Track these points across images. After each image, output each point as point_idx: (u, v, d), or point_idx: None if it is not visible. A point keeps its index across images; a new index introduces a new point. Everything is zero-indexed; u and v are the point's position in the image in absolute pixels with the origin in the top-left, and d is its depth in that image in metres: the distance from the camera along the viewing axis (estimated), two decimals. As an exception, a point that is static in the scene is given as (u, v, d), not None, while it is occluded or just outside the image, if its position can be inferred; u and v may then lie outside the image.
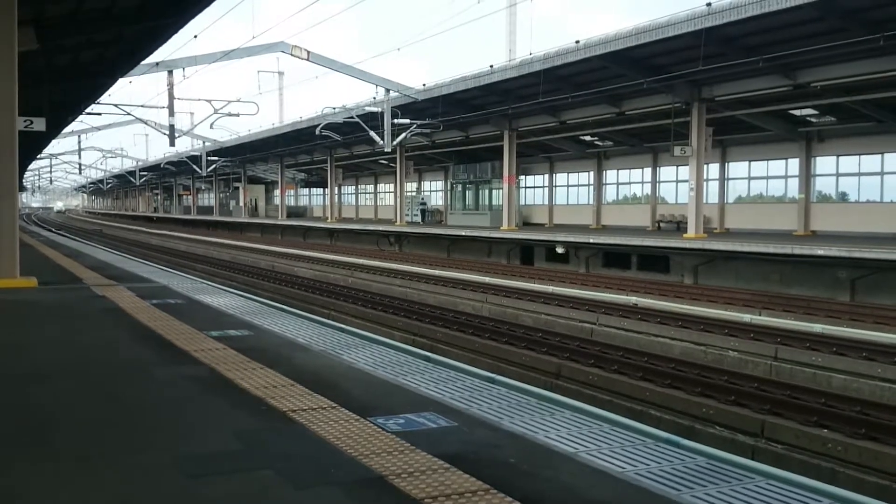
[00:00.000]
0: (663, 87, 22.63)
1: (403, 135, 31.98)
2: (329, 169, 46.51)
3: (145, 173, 75.57)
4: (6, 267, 11.37)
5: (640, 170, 34.47)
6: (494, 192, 37.89)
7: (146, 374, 5.59)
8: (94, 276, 13.22)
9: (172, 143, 31.71)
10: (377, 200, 57.34)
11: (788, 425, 8.31)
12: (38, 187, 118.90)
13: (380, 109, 31.04)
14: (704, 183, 25.93)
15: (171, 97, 29.16)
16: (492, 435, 4.19)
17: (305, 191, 67.88)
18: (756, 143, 28.58)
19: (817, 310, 15.42)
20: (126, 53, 19.15)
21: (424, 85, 29.99)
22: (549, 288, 18.74)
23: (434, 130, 32.97)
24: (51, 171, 78.48)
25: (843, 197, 26.85)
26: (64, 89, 22.74)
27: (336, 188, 50.17)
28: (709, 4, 17.79)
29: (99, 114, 35.31)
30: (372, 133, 31.47)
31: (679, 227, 29.96)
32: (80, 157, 58.89)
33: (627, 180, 35.65)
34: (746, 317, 14.11)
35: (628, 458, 3.95)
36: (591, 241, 25.32)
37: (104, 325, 7.96)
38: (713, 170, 29.87)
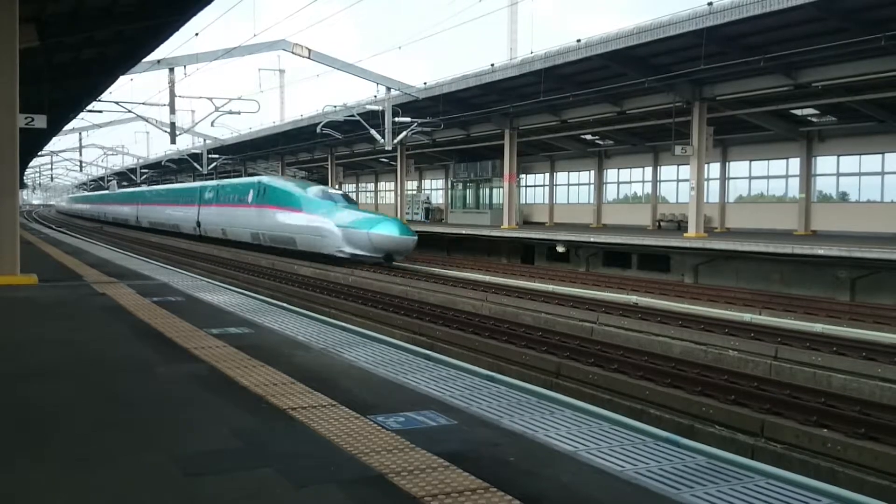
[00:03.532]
0: (664, 87, 22.62)
1: (404, 133, 31.97)
2: (330, 167, 46.49)
3: (146, 171, 75.53)
4: (7, 264, 11.38)
5: (641, 169, 34.45)
6: (495, 190, 37.87)
7: (146, 372, 5.60)
8: (95, 274, 13.22)
9: (173, 141, 31.73)
10: (378, 199, 57.33)
11: (788, 425, 8.30)
12: (39, 184, 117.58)
13: (380, 108, 31.02)
14: (705, 182, 25.93)
15: (172, 95, 29.16)
16: (492, 433, 4.19)
17: (307, 189, 67.47)
18: (757, 143, 28.57)
19: (818, 309, 15.41)
20: (127, 51, 19.15)
21: (425, 83, 29.96)
22: (550, 287, 18.72)
23: (435, 129, 32.96)
24: (52, 169, 78.58)
25: (843, 197, 26.84)
26: (65, 86, 22.74)
27: (337, 186, 50.14)
28: (710, 3, 17.78)
29: (100, 111, 35.36)
30: (373, 131, 31.45)
31: (680, 226, 29.95)
32: (80, 155, 59.00)
33: (628, 179, 35.64)
34: (747, 316, 14.10)
35: (628, 456, 3.95)
36: (592, 240, 25.30)
37: (104, 322, 7.97)
38: (714, 169, 29.87)
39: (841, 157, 26.30)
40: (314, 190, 27.46)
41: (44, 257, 17.26)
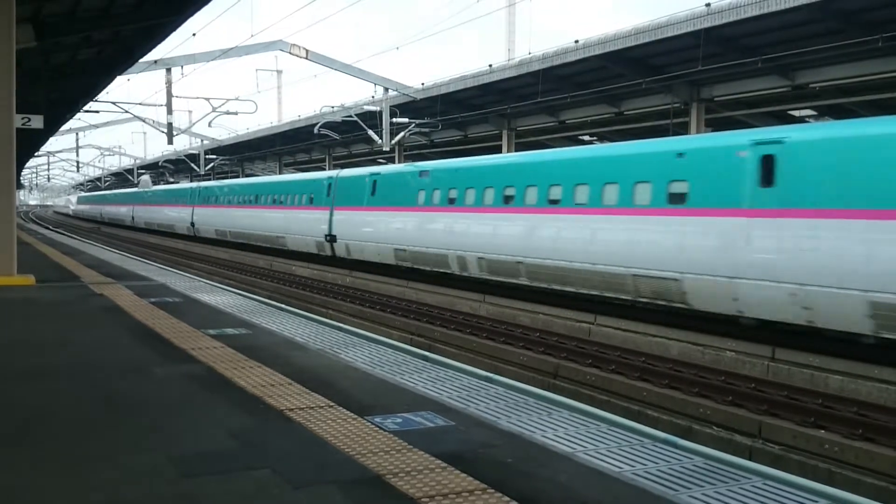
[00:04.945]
0: (662, 88, 22.63)
1: (402, 134, 31.97)
2: (327, 168, 46.53)
3: (143, 171, 75.47)
4: (3, 264, 11.37)
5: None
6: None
7: (144, 373, 5.59)
8: (92, 274, 13.20)
9: (170, 142, 31.73)
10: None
11: (786, 426, 8.32)
12: (36, 185, 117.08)
13: (378, 108, 31.03)
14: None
15: (170, 95, 29.13)
16: (489, 434, 4.19)
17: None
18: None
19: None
20: (124, 51, 19.14)
21: (423, 84, 29.99)
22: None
23: (433, 130, 32.97)
24: (48, 169, 78.53)
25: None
26: (62, 87, 22.73)
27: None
28: (708, 5, 17.81)
29: (97, 111, 35.34)
30: (370, 132, 31.46)
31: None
32: (77, 155, 59.05)
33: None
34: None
35: (626, 458, 3.95)
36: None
37: (102, 323, 7.95)
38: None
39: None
40: None
41: (41, 258, 17.23)
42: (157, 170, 69.74)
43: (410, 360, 6.36)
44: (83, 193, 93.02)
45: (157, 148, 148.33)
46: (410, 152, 39.95)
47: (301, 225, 25.99)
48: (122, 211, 55.44)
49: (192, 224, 37.71)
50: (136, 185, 58.62)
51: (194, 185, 40.33)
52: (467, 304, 16.73)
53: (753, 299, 10.96)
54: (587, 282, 14.03)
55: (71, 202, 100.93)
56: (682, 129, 24.09)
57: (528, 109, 27.92)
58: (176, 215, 40.25)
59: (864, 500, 3.80)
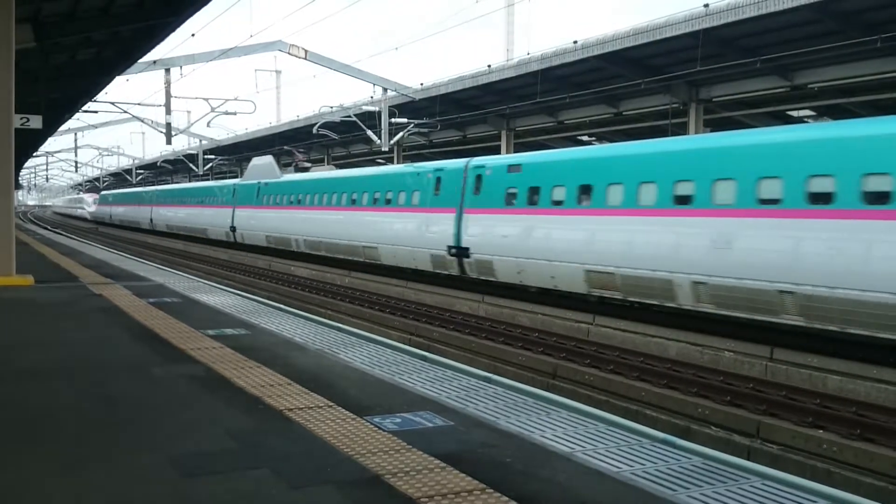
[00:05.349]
0: (661, 88, 22.64)
1: (401, 134, 31.97)
2: (325, 165, 46.54)
3: (142, 171, 75.42)
4: (2, 264, 11.37)
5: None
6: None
7: (142, 373, 5.59)
8: (91, 275, 13.20)
9: (169, 142, 31.75)
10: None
11: (784, 426, 8.33)
12: (34, 185, 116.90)
13: (377, 109, 31.04)
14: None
15: (168, 95, 29.14)
16: (488, 434, 4.19)
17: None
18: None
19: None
20: (123, 52, 19.14)
21: (422, 84, 30.00)
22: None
23: (431, 130, 32.97)
24: (47, 169, 78.46)
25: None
26: (61, 87, 22.72)
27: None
28: (706, 6, 17.82)
29: (96, 112, 35.33)
30: (369, 132, 31.47)
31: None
32: (76, 155, 59.03)
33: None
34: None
35: (624, 457, 3.96)
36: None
37: (100, 323, 7.95)
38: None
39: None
40: None
41: (39, 258, 17.22)
42: (157, 169, 68.53)
43: (409, 361, 6.36)
44: (112, 190, 70.07)
45: (155, 148, 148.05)
46: (409, 152, 39.95)
47: None
48: (209, 216, 35.19)
49: (457, 252, 17.30)
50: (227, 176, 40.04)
51: (453, 162, 18.73)
52: (466, 304, 16.73)
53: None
54: None
55: (86, 202, 78.52)
56: (681, 130, 24.11)
57: (527, 109, 27.93)
58: (410, 232, 19.30)
59: (863, 500, 3.81)
